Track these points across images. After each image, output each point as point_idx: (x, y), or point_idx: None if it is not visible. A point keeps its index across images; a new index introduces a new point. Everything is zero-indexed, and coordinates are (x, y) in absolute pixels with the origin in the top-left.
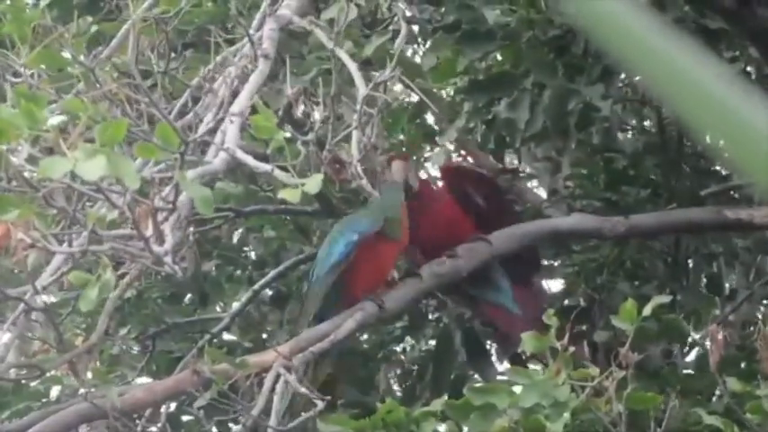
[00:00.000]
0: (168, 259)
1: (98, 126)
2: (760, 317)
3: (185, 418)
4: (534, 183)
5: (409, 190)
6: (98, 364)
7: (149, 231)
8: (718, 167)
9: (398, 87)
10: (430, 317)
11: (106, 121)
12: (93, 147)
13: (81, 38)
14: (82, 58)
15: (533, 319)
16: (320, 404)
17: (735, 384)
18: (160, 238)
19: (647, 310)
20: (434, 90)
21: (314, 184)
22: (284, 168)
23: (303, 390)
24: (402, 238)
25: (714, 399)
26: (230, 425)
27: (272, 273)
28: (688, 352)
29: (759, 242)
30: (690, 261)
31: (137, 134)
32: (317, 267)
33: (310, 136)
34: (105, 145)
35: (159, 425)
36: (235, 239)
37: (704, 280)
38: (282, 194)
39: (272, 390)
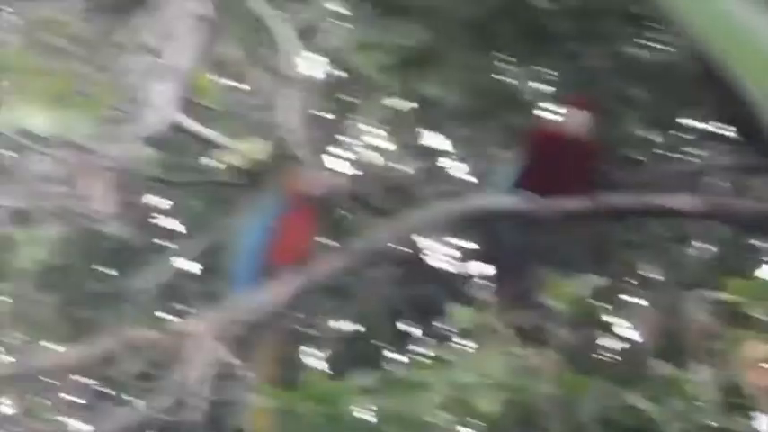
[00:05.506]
0: (114, 221)
1: (45, 80)
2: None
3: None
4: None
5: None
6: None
7: (97, 192)
8: (640, 157)
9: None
10: (356, 294)
11: (47, 75)
12: (44, 101)
13: None
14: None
15: None
16: (247, 374)
17: (663, 368)
18: (107, 200)
19: (580, 291)
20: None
21: (257, 149)
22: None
23: (230, 359)
24: (307, 206)
25: (640, 383)
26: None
27: (198, 245)
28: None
29: (676, 232)
30: (608, 248)
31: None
32: (237, 257)
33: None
34: (54, 100)
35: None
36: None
37: (622, 267)
38: (226, 159)
39: (199, 359)
